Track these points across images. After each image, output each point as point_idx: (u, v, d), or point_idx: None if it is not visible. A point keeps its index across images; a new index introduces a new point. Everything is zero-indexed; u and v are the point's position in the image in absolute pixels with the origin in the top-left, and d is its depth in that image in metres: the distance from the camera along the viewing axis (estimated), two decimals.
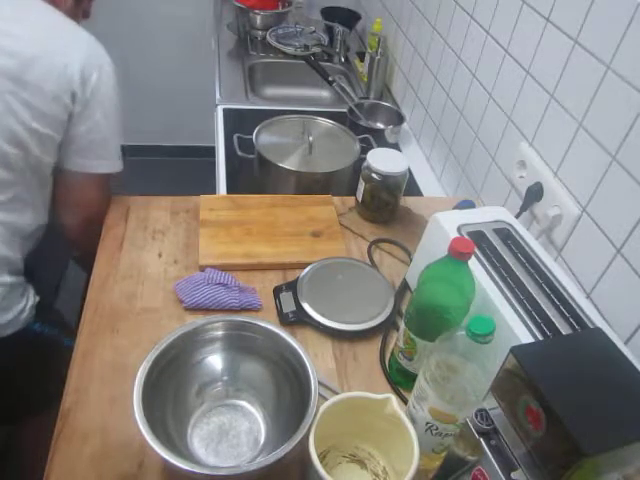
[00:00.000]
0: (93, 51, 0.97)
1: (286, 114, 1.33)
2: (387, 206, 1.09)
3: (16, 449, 1.24)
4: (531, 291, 0.75)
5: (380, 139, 1.41)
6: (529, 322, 0.70)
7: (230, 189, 1.25)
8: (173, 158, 2.91)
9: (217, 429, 0.72)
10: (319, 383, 0.69)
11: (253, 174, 1.26)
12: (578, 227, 0.87)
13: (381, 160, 1.05)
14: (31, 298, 1.02)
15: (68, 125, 0.95)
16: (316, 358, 0.83)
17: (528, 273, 0.78)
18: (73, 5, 1.08)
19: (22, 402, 1.12)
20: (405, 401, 0.77)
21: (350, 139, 1.29)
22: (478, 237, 0.82)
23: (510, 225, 0.85)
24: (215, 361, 0.75)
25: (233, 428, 0.72)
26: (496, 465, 0.51)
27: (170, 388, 0.70)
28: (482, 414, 0.53)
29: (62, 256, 1.36)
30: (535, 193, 0.95)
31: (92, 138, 0.98)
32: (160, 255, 0.96)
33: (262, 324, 0.73)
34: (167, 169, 2.78)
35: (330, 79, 1.50)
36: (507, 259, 0.79)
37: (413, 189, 1.34)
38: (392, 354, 0.81)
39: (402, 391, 0.80)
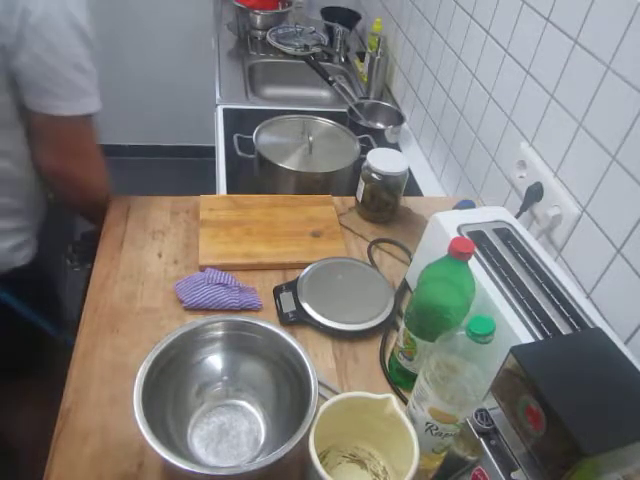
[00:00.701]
0: None
1: (286, 114, 1.33)
2: (387, 206, 1.09)
3: (14, 449, 1.25)
4: (531, 291, 0.75)
5: (380, 139, 1.41)
6: (529, 322, 0.70)
7: (230, 189, 1.25)
8: (173, 158, 2.91)
9: (217, 429, 0.72)
10: (319, 383, 0.69)
11: (253, 174, 1.26)
12: (578, 227, 0.87)
13: (381, 160, 1.05)
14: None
15: (6, 59, 0.86)
16: (316, 358, 0.83)
17: (528, 273, 0.78)
18: None
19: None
20: (405, 401, 0.77)
21: (350, 139, 1.29)
22: (478, 237, 0.82)
23: (510, 225, 0.85)
24: (215, 361, 0.75)
25: (233, 428, 0.72)
26: (496, 465, 0.51)
27: (170, 388, 0.70)
28: (482, 414, 0.53)
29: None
30: (535, 193, 0.95)
31: (36, 73, 0.87)
32: (160, 255, 0.96)
33: (262, 324, 0.73)
34: (167, 169, 2.79)
35: (330, 79, 1.50)
36: (507, 259, 0.79)
37: (413, 189, 1.34)
38: (392, 354, 0.81)
39: (402, 391, 0.80)
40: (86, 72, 0.92)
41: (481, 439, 0.52)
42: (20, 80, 0.89)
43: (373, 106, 1.57)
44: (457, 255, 0.64)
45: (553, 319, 0.71)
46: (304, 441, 0.60)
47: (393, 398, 0.64)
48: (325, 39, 2.00)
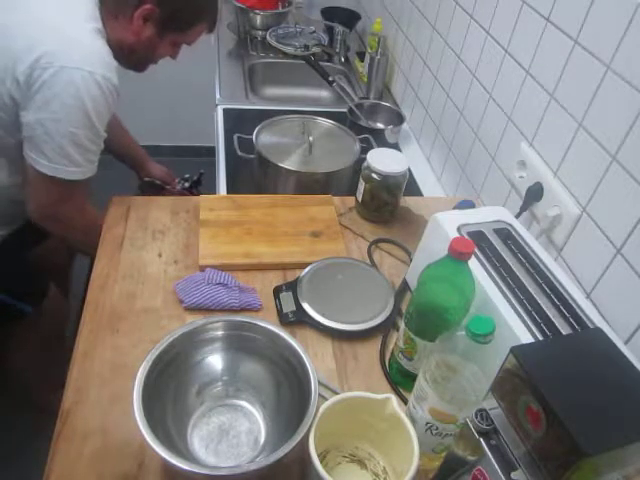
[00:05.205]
0: (77, 54, 0.95)
1: (286, 114, 1.33)
2: (387, 206, 1.09)
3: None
4: (531, 291, 0.75)
5: (380, 139, 1.41)
6: (529, 322, 0.70)
7: (230, 189, 1.25)
8: (173, 158, 2.91)
9: (217, 429, 0.72)
10: (319, 383, 0.69)
11: (253, 174, 1.26)
12: (578, 227, 0.87)
13: (381, 160, 1.05)
14: None
15: (17, 109, 0.98)
16: (316, 358, 0.83)
17: (528, 273, 0.78)
18: (153, 36, 1.09)
19: None
20: (405, 401, 0.77)
21: (350, 139, 1.29)
22: (478, 237, 0.82)
23: (510, 225, 0.85)
24: (215, 361, 0.75)
25: (233, 428, 0.72)
26: (496, 465, 0.51)
27: (170, 388, 0.70)
28: (482, 414, 0.53)
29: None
30: (535, 193, 0.95)
31: (36, 132, 0.98)
32: (160, 255, 0.96)
33: (262, 324, 0.73)
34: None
35: (330, 79, 1.50)
36: (507, 259, 0.79)
37: (413, 189, 1.34)
38: (392, 354, 0.81)
39: (402, 391, 0.80)
40: (81, 147, 1.01)
41: (481, 439, 0.52)
42: (23, 132, 0.99)
43: (373, 106, 1.57)
44: (457, 255, 0.64)
45: (553, 319, 0.71)
46: (304, 441, 0.60)
47: (393, 398, 0.64)
48: (325, 39, 2.00)
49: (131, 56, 1.12)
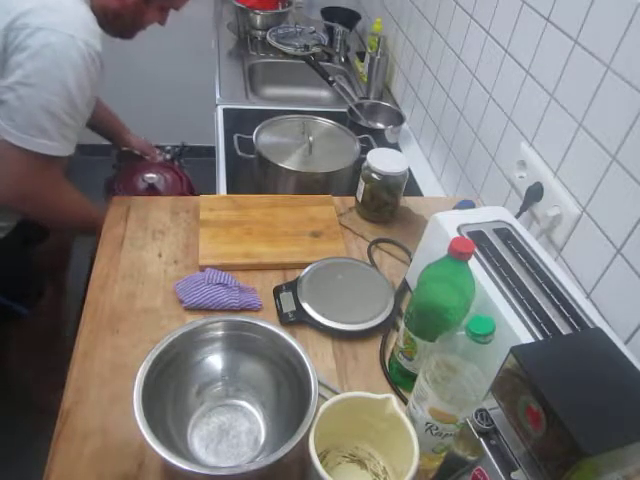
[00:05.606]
0: (58, 17, 0.88)
1: (286, 114, 1.33)
2: (387, 206, 1.09)
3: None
4: (531, 291, 0.75)
5: (380, 139, 1.41)
6: (529, 322, 0.70)
7: (230, 189, 1.25)
8: None
9: (217, 429, 0.72)
10: (319, 383, 0.69)
11: (253, 174, 1.26)
12: (578, 227, 0.87)
13: (381, 160, 1.05)
14: None
15: None
16: (316, 358, 0.83)
17: (528, 273, 0.78)
18: (139, 1, 1.03)
19: None
20: (405, 401, 0.77)
21: (350, 139, 1.29)
22: (478, 237, 0.82)
23: (510, 225, 0.85)
24: (215, 361, 0.75)
25: (233, 428, 0.72)
26: (496, 465, 0.51)
27: (170, 388, 0.70)
28: (482, 414, 0.53)
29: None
30: (535, 193, 0.95)
31: (8, 97, 0.91)
32: (160, 255, 0.96)
33: (262, 324, 0.73)
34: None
35: (330, 79, 1.50)
36: (507, 259, 0.79)
37: (413, 189, 1.34)
38: (392, 354, 0.81)
39: (402, 391, 0.80)
40: (55, 118, 0.92)
41: (481, 439, 0.52)
42: None
43: (373, 106, 1.57)
44: (457, 255, 0.64)
45: (553, 319, 0.71)
46: (304, 441, 0.60)
47: (393, 398, 0.64)
48: (325, 39, 2.00)
49: (116, 22, 1.06)
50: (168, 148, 1.62)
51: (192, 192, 1.52)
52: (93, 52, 0.92)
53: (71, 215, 1.09)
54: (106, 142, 1.59)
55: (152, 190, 1.46)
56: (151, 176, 1.47)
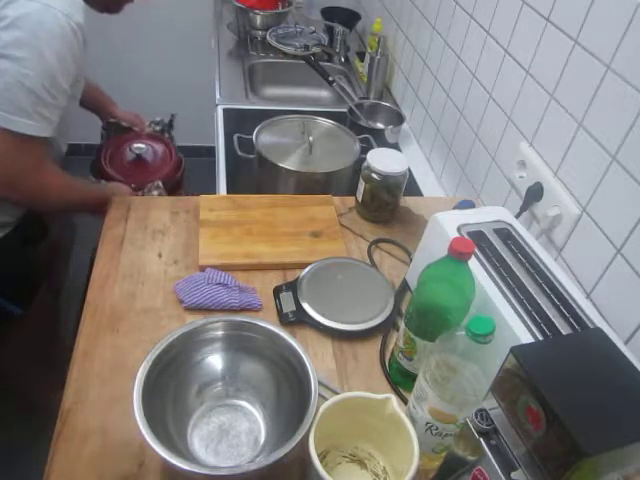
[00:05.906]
0: None
1: (286, 114, 1.33)
2: (387, 206, 1.09)
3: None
4: (531, 291, 0.75)
5: (380, 139, 1.41)
6: (529, 322, 0.70)
7: (230, 189, 1.25)
8: None
9: (217, 429, 0.72)
10: (319, 383, 0.69)
11: (253, 174, 1.26)
12: (578, 227, 0.87)
13: (381, 160, 1.05)
14: None
15: None
16: (316, 358, 0.83)
17: (528, 273, 0.78)
18: None
19: None
20: (405, 401, 0.77)
21: (350, 139, 1.29)
22: (478, 237, 0.82)
23: (510, 225, 0.85)
24: (215, 361, 0.75)
25: (233, 428, 0.72)
26: (496, 465, 0.51)
27: (170, 388, 0.70)
28: (482, 414, 0.53)
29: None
30: (535, 193, 0.95)
31: None
32: (160, 255, 0.96)
33: (262, 324, 0.73)
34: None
35: (330, 79, 1.50)
36: (507, 259, 0.79)
37: (413, 189, 1.34)
38: (392, 354, 0.81)
39: (402, 391, 0.80)
40: (32, 94, 0.87)
41: (481, 439, 0.52)
42: None
43: (373, 106, 1.57)
44: (457, 255, 0.64)
45: (553, 319, 0.71)
46: (304, 441, 0.60)
47: (393, 398, 0.64)
48: (325, 39, 2.00)
49: None
50: (157, 119, 1.58)
51: (180, 165, 1.49)
52: (74, 24, 0.87)
53: (64, 197, 1.05)
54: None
55: (140, 161, 1.43)
56: (139, 146, 1.43)
